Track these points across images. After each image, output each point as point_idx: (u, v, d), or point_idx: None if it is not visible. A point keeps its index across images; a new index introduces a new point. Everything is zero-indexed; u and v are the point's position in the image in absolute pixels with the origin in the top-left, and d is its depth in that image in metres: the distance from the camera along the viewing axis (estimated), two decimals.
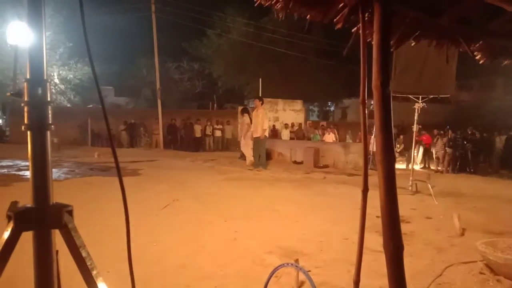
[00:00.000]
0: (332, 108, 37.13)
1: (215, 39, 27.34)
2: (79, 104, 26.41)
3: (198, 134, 20.57)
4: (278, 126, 18.39)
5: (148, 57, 24.93)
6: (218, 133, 21.01)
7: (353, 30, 1.84)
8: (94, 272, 1.08)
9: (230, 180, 8.95)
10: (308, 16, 1.75)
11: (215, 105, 31.72)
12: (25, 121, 1.09)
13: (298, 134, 17.71)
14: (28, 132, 1.09)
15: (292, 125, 18.39)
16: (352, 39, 1.82)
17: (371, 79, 1.62)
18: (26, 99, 1.09)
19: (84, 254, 1.09)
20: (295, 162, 13.05)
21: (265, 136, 11.15)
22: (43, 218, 1.08)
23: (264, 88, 18.20)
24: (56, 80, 24.32)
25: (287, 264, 2.65)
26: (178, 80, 32.24)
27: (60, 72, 24.16)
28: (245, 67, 26.45)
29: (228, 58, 26.77)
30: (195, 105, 33.39)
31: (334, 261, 3.87)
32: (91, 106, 24.86)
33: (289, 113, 19.62)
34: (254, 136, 11.11)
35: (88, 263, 1.08)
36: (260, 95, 14.24)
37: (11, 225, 1.05)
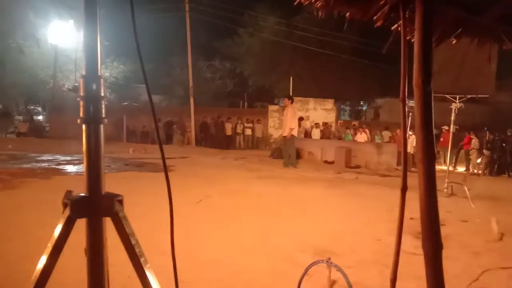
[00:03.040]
0: (364, 108, 36.55)
1: (246, 38, 27.50)
2: (114, 101, 27.23)
3: (229, 132, 20.78)
4: (308, 125, 18.29)
5: (181, 55, 25.39)
6: (248, 132, 21.15)
7: (393, 28, 1.83)
8: (142, 259, 1.14)
9: (261, 178, 9.00)
10: (348, 14, 1.76)
11: (246, 104, 31.90)
12: (81, 114, 1.16)
13: (326, 133, 17.55)
14: (83, 125, 1.16)
15: (323, 124, 18.25)
16: (392, 37, 1.81)
17: (411, 78, 1.61)
18: (82, 94, 1.16)
19: (133, 242, 1.15)
20: (325, 162, 12.96)
21: (293, 135, 11.09)
22: (96, 206, 1.15)
23: (295, 87, 18.16)
24: None
25: (322, 261, 2.66)
26: (210, 79, 32.64)
27: None
28: (276, 66, 26.46)
29: (259, 57, 26.87)
30: (226, 103, 33.70)
31: (366, 262, 3.84)
32: (126, 103, 25.57)
33: (320, 112, 19.49)
34: (282, 135, 11.12)
35: (137, 250, 1.15)
36: (290, 94, 14.22)
37: (67, 212, 1.12)
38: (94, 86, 1.17)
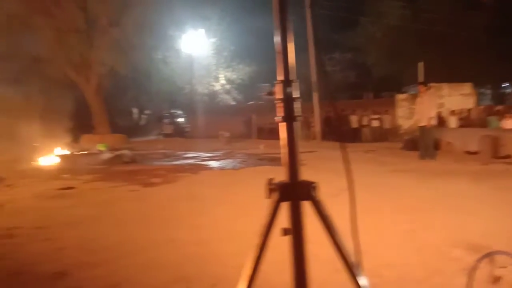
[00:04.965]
0: (509, 90, 31.99)
1: (369, 27, 26.47)
2: (242, 101, 28.95)
3: (354, 125, 20.36)
4: (444, 113, 16.82)
5: (301, 52, 25.69)
6: (375, 123, 20.40)
7: None
8: (338, 237, 1.31)
9: (395, 171, 8.67)
10: None
11: (371, 95, 30.75)
12: (278, 114, 1.37)
13: (467, 121, 15.89)
14: (282, 124, 1.37)
15: (461, 111, 16.59)
16: None
17: None
18: (279, 96, 1.37)
19: (330, 223, 1.32)
20: (468, 153, 11.78)
21: (432, 124, 10.36)
22: (297, 191, 1.35)
23: (425, 73, 16.88)
24: (223, 81, 27.26)
25: (499, 252, 2.51)
26: (331, 72, 32.29)
27: (226, 73, 26.97)
28: (401, 52, 24.92)
29: (383, 45, 25.64)
30: (347, 96, 32.96)
31: None
32: (252, 102, 27.01)
33: (456, 98, 17.78)
34: (419, 125, 10.46)
35: (334, 230, 1.32)
36: (421, 80, 13.28)
37: (275, 196, 1.34)
38: (289, 89, 1.36)
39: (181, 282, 3.17)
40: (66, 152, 11.68)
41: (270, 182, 1.39)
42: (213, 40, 24.69)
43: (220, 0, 22.55)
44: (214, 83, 27.09)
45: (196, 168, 9.44)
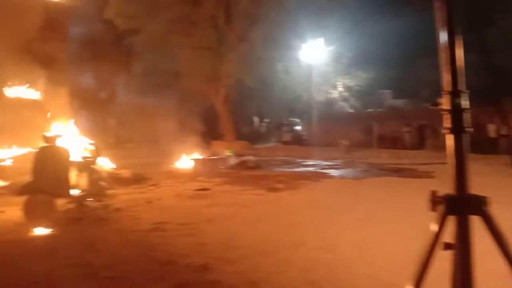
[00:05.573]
0: None
1: (508, 25, 23.38)
2: (360, 108, 28.13)
3: (492, 134, 18.17)
4: None
5: (428, 56, 23.90)
6: None
7: None
8: None
9: None
10: None
11: (510, 101, 27.05)
12: (447, 125, 1.35)
13: None
14: (451, 135, 1.34)
15: None
16: None
17: None
18: (447, 107, 1.35)
19: (503, 240, 1.25)
20: None
21: None
22: (465, 205, 1.31)
23: None
24: (341, 88, 26.94)
25: None
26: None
27: (344, 80, 26.62)
28: None
29: None
30: (482, 101, 29.47)
31: None
32: (371, 110, 26.08)
33: None
34: None
35: (508, 248, 1.24)
36: None
37: (441, 209, 1.32)
38: (457, 100, 1.33)
39: (313, 285, 3.26)
40: (199, 156, 12.86)
41: (434, 194, 1.37)
42: (331, 48, 24.64)
43: (339, 7, 22.36)
44: (331, 91, 26.93)
45: (317, 176, 9.51)
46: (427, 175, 9.52)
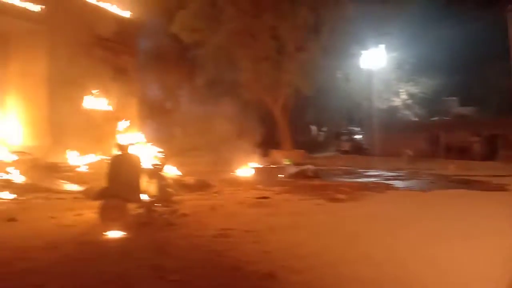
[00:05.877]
0: None
1: None
2: (424, 117, 26.87)
3: None
4: None
5: (498, 62, 22.34)
6: None
7: None
8: None
9: None
10: None
11: None
12: None
13: None
14: None
15: None
16: None
17: None
18: None
19: None
20: None
21: None
22: None
23: None
24: (403, 96, 25.98)
25: None
26: None
27: (407, 87, 25.64)
28: None
29: None
30: None
31: None
32: (435, 118, 24.85)
33: None
34: None
35: None
36: None
37: None
38: None
39: None
40: (258, 165, 13.03)
41: None
42: (393, 54, 23.89)
43: (400, 14, 21.67)
44: (393, 98, 26.04)
45: (381, 187, 9.22)
46: (501, 187, 8.88)
